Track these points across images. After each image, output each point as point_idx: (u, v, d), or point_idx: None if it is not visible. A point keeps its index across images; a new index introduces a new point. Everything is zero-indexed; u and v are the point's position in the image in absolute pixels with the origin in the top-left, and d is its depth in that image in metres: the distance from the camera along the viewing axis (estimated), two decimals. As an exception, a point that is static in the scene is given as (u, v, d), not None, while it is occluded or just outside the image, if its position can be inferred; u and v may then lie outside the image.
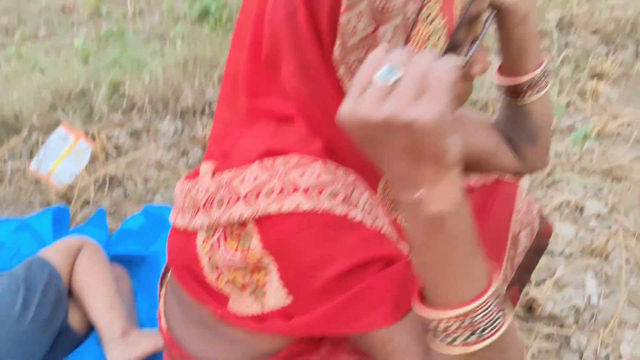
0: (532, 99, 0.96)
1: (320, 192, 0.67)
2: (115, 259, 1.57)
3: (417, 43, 0.65)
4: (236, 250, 0.69)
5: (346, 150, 0.71)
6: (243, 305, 0.74)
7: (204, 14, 3.34)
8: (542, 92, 0.97)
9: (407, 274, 0.68)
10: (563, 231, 1.80)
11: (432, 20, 0.63)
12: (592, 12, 2.66)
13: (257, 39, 0.73)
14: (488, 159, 1.10)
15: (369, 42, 0.65)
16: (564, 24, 2.62)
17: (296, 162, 0.69)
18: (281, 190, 0.66)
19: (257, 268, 0.69)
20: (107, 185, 1.99)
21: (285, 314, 0.71)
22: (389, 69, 0.52)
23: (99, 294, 1.35)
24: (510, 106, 1.01)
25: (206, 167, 0.79)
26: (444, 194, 0.56)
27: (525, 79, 0.93)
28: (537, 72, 0.93)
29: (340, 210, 0.67)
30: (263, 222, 0.67)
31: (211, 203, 0.72)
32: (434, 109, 0.50)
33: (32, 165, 2.01)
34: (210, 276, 0.75)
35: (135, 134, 2.17)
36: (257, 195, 0.67)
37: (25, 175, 2.00)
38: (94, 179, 1.97)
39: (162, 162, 2.09)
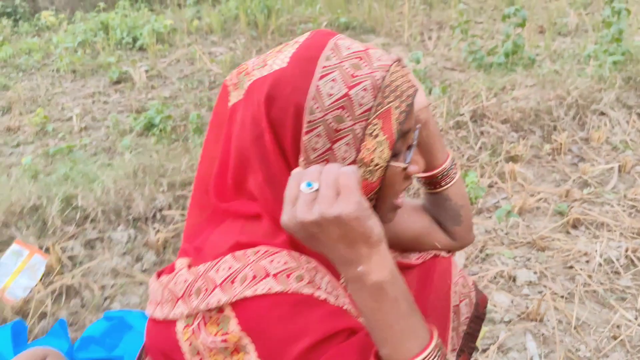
0: (446, 186, 1.15)
1: (288, 276, 0.79)
2: (80, 367, 1.59)
3: (368, 152, 0.81)
4: (216, 334, 0.79)
5: None
6: None
7: (149, 127, 3.52)
8: (455, 179, 1.15)
9: (367, 342, 0.80)
10: (500, 300, 1.96)
11: (377, 136, 0.81)
12: (500, 105, 3.01)
13: (226, 156, 0.90)
14: (424, 239, 1.26)
15: (327, 155, 0.81)
16: (477, 116, 2.95)
17: (265, 252, 0.81)
18: (254, 277, 0.78)
19: (237, 349, 0.78)
20: (63, 296, 2.01)
21: None
22: (308, 181, 0.70)
23: None
24: (431, 194, 1.19)
25: (181, 262, 0.91)
26: (378, 266, 0.72)
27: (437, 171, 1.12)
28: (446, 164, 1.12)
29: (306, 290, 0.79)
30: (239, 305, 0.77)
31: (190, 293, 0.83)
32: (352, 202, 0.68)
33: (-15, 283, 2.02)
34: None
35: (89, 244, 2.23)
36: (232, 282, 0.78)
37: (-22, 294, 2.00)
38: (50, 290, 2.00)
39: (117, 269, 2.14)
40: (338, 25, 5.20)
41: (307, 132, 0.80)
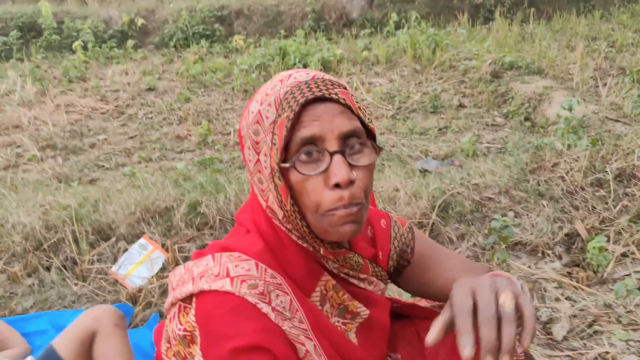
0: None
1: (242, 282, 0.86)
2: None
3: (272, 160, 0.87)
4: (181, 323, 0.88)
5: (285, 255, 0.94)
6: None
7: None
8: None
9: None
10: (594, 385, 1.74)
11: (275, 144, 0.87)
12: (656, 166, 2.66)
13: None
14: None
15: (258, 166, 0.90)
16: (624, 175, 2.64)
17: (236, 257, 0.90)
18: (218, 275, 0.87)
19: (191, 340, 0.86)
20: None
21: None
22: None
23: None
24: None
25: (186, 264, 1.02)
26: None
27: None
28: None
29: (252, 299, 0.85)
30: (199, 298, 0.87)
31: (178, 284, 0.93)
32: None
33: (113, 268, 2.34)
34: (163, 348, 0.93)
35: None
36: (201, 277, 0.88)
37: (106, 276, 2.33)
38: (159, 284, 2.25)
39: (222, 275, 2.33)
40: (502, 64, 5.02)
41: (242, 147, 0.93)
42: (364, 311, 1.04)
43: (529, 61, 5.06)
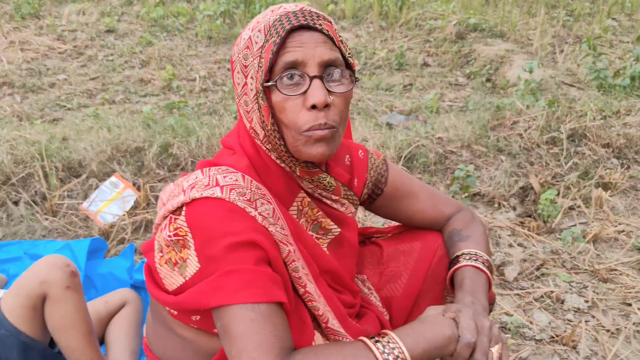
0: None
1: (231, 190, 0.95)
2: (136, 285, 1.85)
3: (258, 82, 0.95)
4: (170, 230, 0.96)
5: (266, 172, 1.03)
6: (172, 281, 0.98)
7: (258, 96, 3.77)
8: None
9: (276, 279, 0.92)
10: (539, 319, 1.92)
11: (261, 66, 0.95)
12: (606, 128, 2.84)
13: None
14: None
15: (245, 89, 0.98)
16: (576, 135, 2.82)
17: (224, 170, 0.99)
18: (207, 184, 0.96)
19: (183, 245, 0.95)
20: (142, 228, 2.29)
21: (194, 281, 0.94)
22: None
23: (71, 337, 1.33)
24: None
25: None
26: None
27: None
28: None
29: (241, 204, 0.94)
30: (189, 205, 0.95)
31: (169, 199, 1.00)
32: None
33: (84, 204, 2.35)
34: (156, 257, 1.01)
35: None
36: (192, 188, 0.96)
37: (77, 212, 2.34)
38: (132, 221, 2.29)
39: (193, 215, 2.38)
40: (466, 25, 5.12)
41: (233, 71, 1.01)
42: (335, 229, 1.15)
43: (492, 24, 5.18)
